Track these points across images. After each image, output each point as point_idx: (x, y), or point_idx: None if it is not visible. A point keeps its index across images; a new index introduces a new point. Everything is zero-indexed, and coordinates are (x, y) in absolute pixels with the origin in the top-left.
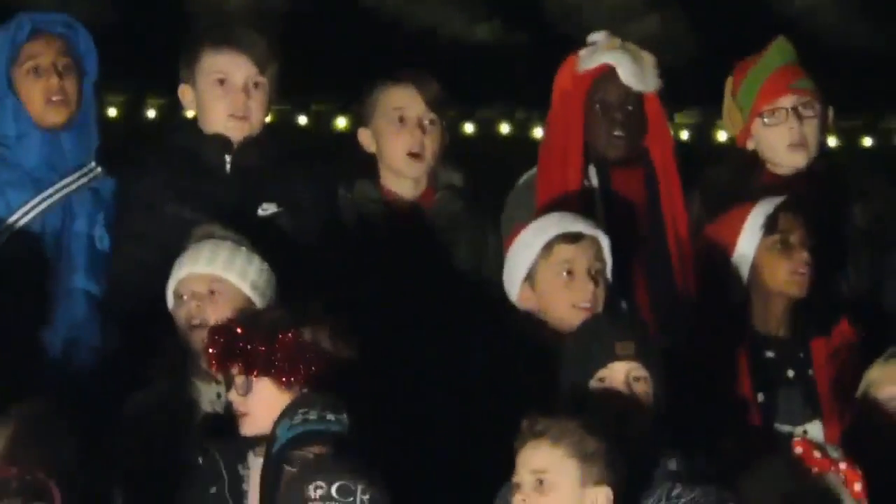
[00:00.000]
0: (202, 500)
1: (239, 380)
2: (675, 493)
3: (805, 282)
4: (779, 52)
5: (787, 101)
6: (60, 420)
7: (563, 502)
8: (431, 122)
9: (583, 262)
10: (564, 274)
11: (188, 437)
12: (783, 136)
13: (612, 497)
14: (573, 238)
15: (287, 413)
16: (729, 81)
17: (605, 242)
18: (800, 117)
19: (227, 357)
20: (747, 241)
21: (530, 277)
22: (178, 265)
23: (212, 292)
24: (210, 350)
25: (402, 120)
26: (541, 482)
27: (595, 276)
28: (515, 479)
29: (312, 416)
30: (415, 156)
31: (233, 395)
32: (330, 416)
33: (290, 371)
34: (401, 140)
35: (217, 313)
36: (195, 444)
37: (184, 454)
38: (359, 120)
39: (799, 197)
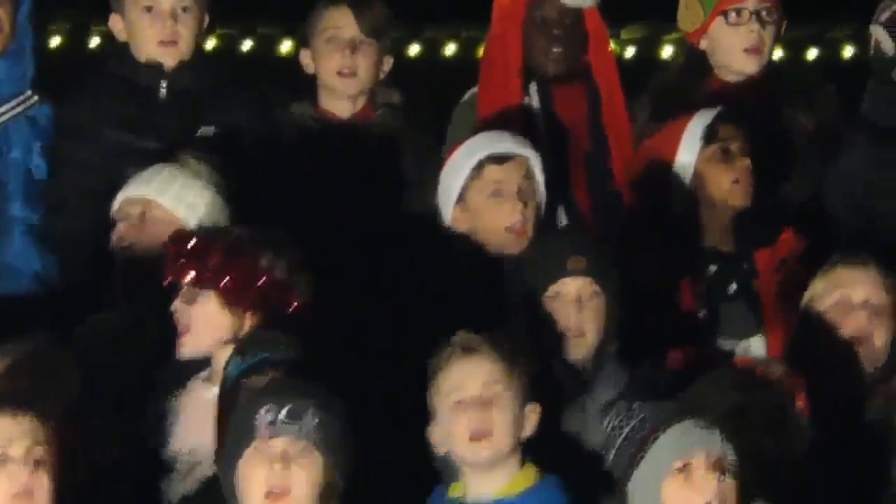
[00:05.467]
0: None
1: (187, 289)
2: (634, 406)
3: (747, 190)
4: None
5: (752, 3)
6: (60, 355)
7: (508, 417)
8: (366, 43)
9: (512, 182)
10: (494, 194)
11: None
12: (743, 38)
13: (539, 413)
14: (501, 159)
15: (238, 350)
16: None
17: (535, 161)
18: (762, 22)
19: (181, 263)
20: (687, 152)
21: (462, 199)
22: (121, 189)
23: (143, 215)
24: (166, 253)
25: (334, 41)
26: (494, 397)
27: (526, 196)
28: (456, 396)
29: (265, 348)
30: (345, 75)
31: (178, 304)
32: (282, 347)
33: (239, 290)
34: (332, 59)
35: (146, 236)
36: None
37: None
38: (302, 41)
39: (741, 105)
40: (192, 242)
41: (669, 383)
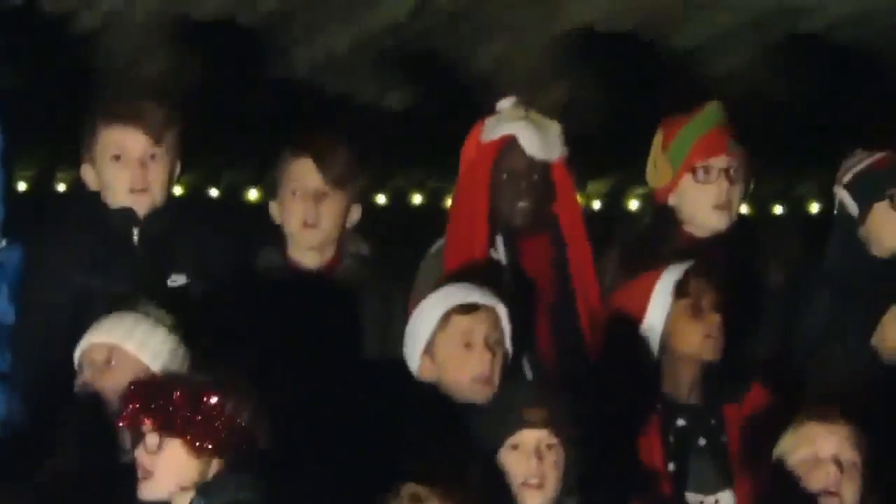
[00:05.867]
0: None
1: (151, 437)
2: None
3: (717, 345)
4: (714, 113)
5: (721, 161)
6: None
7: None
8: (329, 194)
9: (480, 333)
10: (462, 345)
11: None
12: (711, 195)
13: None
14: (469, 309)
15: (202, 491)
16: (659, 134)
17: (502, 312)
18: (730, 180)
19: (145, 410)
20: (658, 306)
21: (429, 349)
22: (84, 336)
23: (108, 361)
24: (127, 401)
25: (297, 193)
26: None
27: (493, 347)
28: None
29: (228, 491)
30: (309, 226)
31: (140, 453)
32: (245, 491)
33: (206, 436)
34: (296, 211)
35: (112, 382)
36: None
37: None
38: (269, 192)
39: (711, 260)
40: (157, 389)
41: None
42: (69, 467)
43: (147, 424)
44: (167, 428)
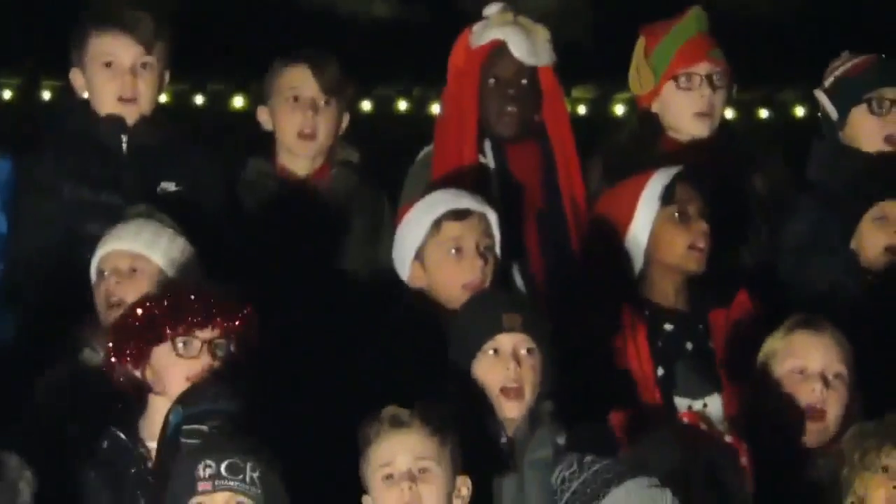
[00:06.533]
0: (118, 482)
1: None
2: (586, 460)
3: (703, 257)
4: (696, 19)
5: (703, 68)
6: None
7: (439, 490)
8: (326, 102)
9: (471, 239)
10: (453, 251)
11: (92, 418)
12: (693, 102)
13: (470, 485)
14: (460, 215)
15: (180, 400)
16: (641, 41)
17: (493, 218)
18: (713, 86)
19: (208, 317)
20: (644, 212)
21: (420, 255)
22: (103, 241)
23: (133, 270)
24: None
25: (295, 100)
26: (422, 470)
27: (483, 253)
28: (386, 470)
29: (206, 400)
30: (306, 136)
31: (206, 357)
32: (221, 400)
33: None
34: (293, 120)
35: (137, 292)
36: (96, 427)
37: (87, 437)
38: (258, 98)
39: (697, 166)
40: (210, 293)
41: (613, 442)
42: (62, 379)
43: (198, 330)
44: (232, 331)
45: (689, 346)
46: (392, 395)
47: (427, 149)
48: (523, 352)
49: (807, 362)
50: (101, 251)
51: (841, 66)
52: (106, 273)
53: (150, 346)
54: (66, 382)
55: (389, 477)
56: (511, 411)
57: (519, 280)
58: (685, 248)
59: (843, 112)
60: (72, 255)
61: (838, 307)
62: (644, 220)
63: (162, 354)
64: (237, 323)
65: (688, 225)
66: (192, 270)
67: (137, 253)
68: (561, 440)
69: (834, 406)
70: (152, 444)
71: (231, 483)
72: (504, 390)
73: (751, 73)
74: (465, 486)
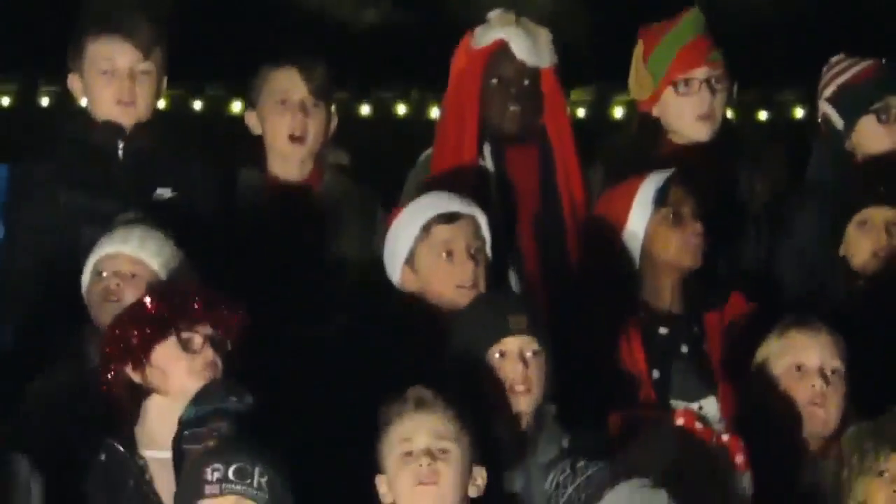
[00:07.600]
0: (116, 495)
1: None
2: (579, 465)
3: (697, 252)
4: (693, 22)
5: (702, 72)
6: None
7: (456, 471)
8: (315, 105)
9: (461, 242)
10: (444, 254)
11: (86, 428)
12: (694, 106)
13: (485, 476)
14: (450, 218)
15: (193, 401)
16: (639, 46)
17: (482, 220)
18: (712, 90)
19: (208, 313)
20: (638, 214)
21: (410, 260)
22: (102, 243)
23: (133, 275)
24: (183, 311)
25: (284, 103)
26: (442, 451)
27: (475, 255)
28: (405, 447)
29: (217, 397)
30: (296, 139)
31: (207, 352)
32: (232, 398)
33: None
34: (283, 123)
35: (134, 296)
36: (93, 437)
37: (84, 447)
38: (248, 103)
39: (693, 168)
40: (209, 294)
41: (611, 444)
42: (57, 386)
43: (198, 329)
44: (231, 332)
45: (684, 348)
46: (400, 386)
47: (427, 151)
48: (529, 354)
49: (804, 359)
50: (102, 252)
51: (842, 73)
52: (105, 274)
53: (151, 344)
54: (62, 389)
55: (409, 454)
56: (523, 405)
57: (515, 282)
58: (679, 247)
59: (850, 121)
60: (68, 260)
61: (831, 310)
62: (638, 222)
63: (164, 351)
64: (235, 320)
65: (682, 226)
66: (184, 277)
67: (140, 259)
68: (565, 443)
69: (833, 401)
70: (150, 454)
71: (238, 487)
72: (512, 392)
73: (751, 74)
74: (480, 476)
